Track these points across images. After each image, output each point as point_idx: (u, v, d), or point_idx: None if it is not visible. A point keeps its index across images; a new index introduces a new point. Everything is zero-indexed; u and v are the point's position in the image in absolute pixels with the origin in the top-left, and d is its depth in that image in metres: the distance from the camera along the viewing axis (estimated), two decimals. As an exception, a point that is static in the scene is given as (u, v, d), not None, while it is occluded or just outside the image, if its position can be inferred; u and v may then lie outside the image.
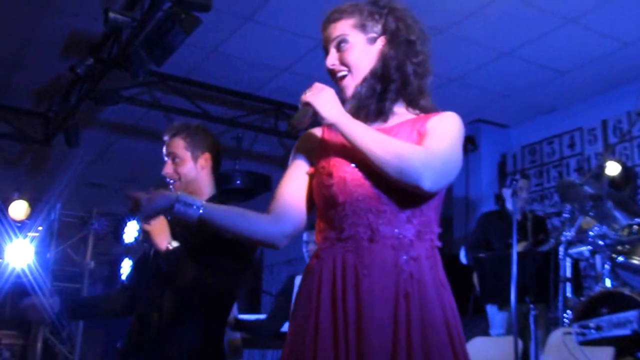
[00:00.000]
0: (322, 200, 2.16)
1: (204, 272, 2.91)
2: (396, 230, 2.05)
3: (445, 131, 2.13)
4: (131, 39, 5.76)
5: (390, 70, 2.19)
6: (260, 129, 8.03)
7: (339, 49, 2.22)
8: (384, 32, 2.23)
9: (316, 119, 2.09)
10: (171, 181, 3.12)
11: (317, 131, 2.32)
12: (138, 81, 6.49)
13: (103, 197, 10.82)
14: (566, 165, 7.74)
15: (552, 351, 4.13)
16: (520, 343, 4.76)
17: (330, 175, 2.13)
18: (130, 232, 8.58)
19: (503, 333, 5.74)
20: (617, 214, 5.05)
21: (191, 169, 3.14)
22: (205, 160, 3.17)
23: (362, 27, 2.22)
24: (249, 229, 2.20)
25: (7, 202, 9.05)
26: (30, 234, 9.03)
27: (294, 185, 2.26)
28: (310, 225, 2.27)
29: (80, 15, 6.05)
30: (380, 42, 2.22)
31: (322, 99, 2.07)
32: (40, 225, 9.11)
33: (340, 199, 2.09)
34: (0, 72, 7.24)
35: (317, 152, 2.26)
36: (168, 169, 3.13)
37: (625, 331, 2.94)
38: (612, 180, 5.73)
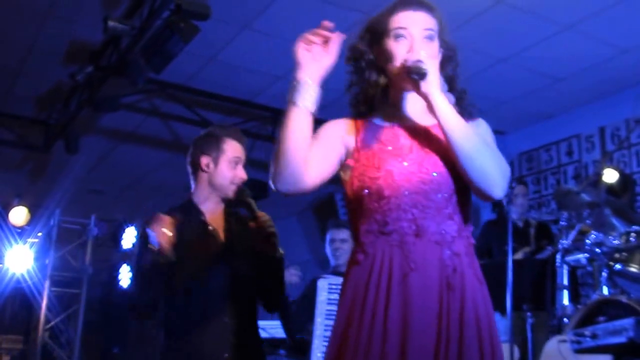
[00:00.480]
0: (365, 192, 2.12)
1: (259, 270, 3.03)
2: (440, 227, 2.07)
3: (492, 141, 2.19)
4: (130, 47, 5.77)
5: (454, 80, 2.25)
6: (258, 136, 7.96)
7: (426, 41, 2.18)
8: (441, 42, 2.22)
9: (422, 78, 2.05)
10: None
11: (349, 122, 2.27)
12: (137, 88, 6.51)
13: (102, 203, 10.76)
14: (564, 172, 7.67)
15: (548, 359, 4.05)
16: (517, 350, 4.69)
17: (377, 168, 2.11)
18: (129, 238, 8.50)
19: (503, 340, 5.65)
20: (615, 222, 4.96)
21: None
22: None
23: (440, 33, 2.21)
24: (297, 152, 2.09)
25: (7, 208, 9.04)
26: (30, 240, 9.01)
27: (324, 152, 2.17)
28: (334, 224, 2.23)
29: (80, 24, 6.04)
30: (440, 53, 2.22)
31: (434, 66, 2.08)
32: (40, 231, 9.08)
33: (387, 193, 2.08)
34: (2, 80, 7.21)
35: (356, 142, 2.21)
36: (244, 174, 3.12)
37: (621, 339, 2.88)
38: (610, 188, 5.66)
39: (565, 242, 4.95)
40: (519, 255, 5.91)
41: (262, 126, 8.03)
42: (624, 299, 4.23)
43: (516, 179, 7.46)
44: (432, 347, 1.96)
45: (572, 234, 5.04)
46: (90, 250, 9.07)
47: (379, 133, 2.19)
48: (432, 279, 2.02)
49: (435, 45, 2.18)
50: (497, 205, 6.52)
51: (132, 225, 8.48)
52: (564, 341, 3.51)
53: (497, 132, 8.24)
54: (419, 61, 2.05)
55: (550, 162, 7.83)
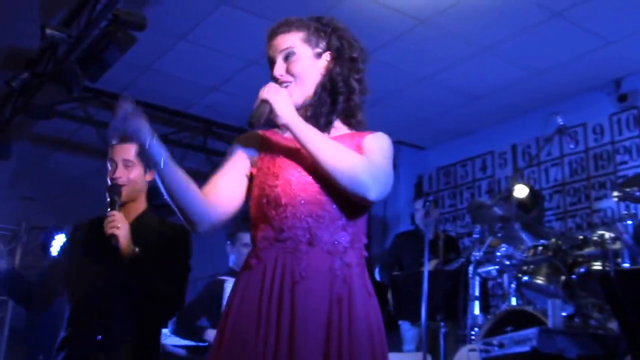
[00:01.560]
0: (264, 199, 2.12)
1: (162, 278, 2.90)
2: (333, 237, 2.07)
3: (383, 150, 2.17)
4: (67, 55, 5.62)
5: (338, 85, 2.20)
6: (190, 146, 7.90)
7: (286, 60, 2.20)
8: (328, 48, 2.23)
9: (270, 118, 2.07)
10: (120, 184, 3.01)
11: (259, 132, 2.28)
12: (72, 96, 6.30)
13: (34, 210, 10.38)
14: (478, 187, 7.69)
15: (459, 367, 4.02)
16: (430, 358, 4.64)
17: (276, 176, 2.13)
18: (58, 245, 8.22)
19: (414, 349, 5.61)
20: (524, 236, 4.98)
21: (140, 177, 3.07)
22: (151, 173, 3.02)
23: (309, 42, 2.22)
24: (187, 200, 2.08)
25: None
26: (-42, 247, 8.62)
27: (231, 179, 2.21)
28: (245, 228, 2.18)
29: (17, 31, 5.87)
30: (326, 57, 2.23)
31: (280, 98, 2.07)
32: (-32, 238, 8.73)
33: (284, 201, 2.08)
34: (-63, 85, 6.89)
35: (260, 152, 2.23)
36: (120, 172, 3.02)
37: (525, 348, 2.87)
38: (521, 203, 5.67)
39: (477, 255, 4.91)
40: (430, 267, 5.88)
41: (194, 136, 7.93)
42: (530, 309, 4.27)
43: (433, 196, 7.45)
44: (320, 356, 1.94)
45: (484, 247, 5.02)
46: (19, 256, 8.75)
47: (282, 143, 2.20)
48: (321, 288, 2.01)
49: (296, 58, 2.19)
50: (413, 217, 6.50)
51: (62, 233, 8.22)
52: (474, 350, 3.45)
53: (418, 148, 8.31)
54: (261, 101, 2.07)
55: (466, 177, 7.85)
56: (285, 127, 2.09)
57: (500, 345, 3.04)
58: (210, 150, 7.88)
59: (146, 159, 2.02)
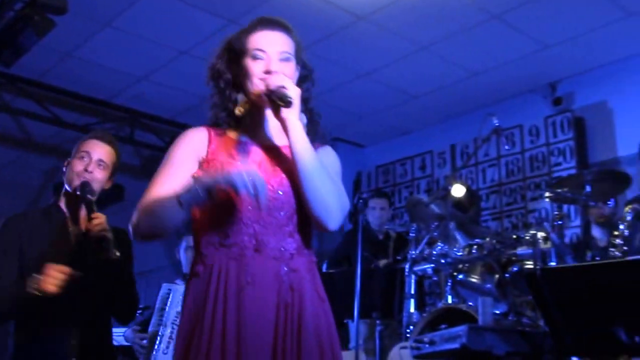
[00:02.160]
0: (210, 203, 2.03)
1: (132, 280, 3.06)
2: (280, 243, 2.05)
3: (337, 172, 2.20)
4: None
5: (308, 101, 2.19)
6: (116, 137, 7.59)
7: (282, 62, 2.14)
8: (298, 62, 2.20)
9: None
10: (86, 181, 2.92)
11: (203, 133, 2.18)
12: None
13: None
14: (417, 186, 7.75)
15: (392, 364, 4.06)
16: (364, 357, 4.66)
17: None
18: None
19: (354, 346, 5.63)
20: (458, 235, 5.04)
21: (105, 181, 3.01)
22: (110, 181, 3.05)
23: (297, 55, 2.18)
24: (170, 217, 2.03)
25: None
26: None
27: (177, 182, 2.06)
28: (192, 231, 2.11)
29: None
30: (297, 71, 2.20)
31: (295, 91, 2.04)
32: None
33: (231, 206, 2.03)
34: None
35: (206, 155, 2.14)
36: (92, 167, 2.94)
37: (455, 345, 2.92)
38: (458, 202, 5.74)
39: (413, 253, 4.95)
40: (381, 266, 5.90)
41: (120, 127, 7.62)
42: (464, 307, 4.33)
43: (375, 190, 7.48)
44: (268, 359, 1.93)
45: (421, 245, 5.05)
46: None
47: (231, 146, 2.14)
48: (268, 294, 1.99)
49: (291, 66, 2.15)
50: (352, 214, 6.50)
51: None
52: (405, 347, 3.49)
53: (357, 145, 8.32)
54: (283, 87, 2.01)
55: (405, 176, 7.89)
56: (283, 123, 2.04)
57: (431, 343, 3.08)
58: (138, 142, 7.63)
59: (192, 199, 1.97)
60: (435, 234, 5.09)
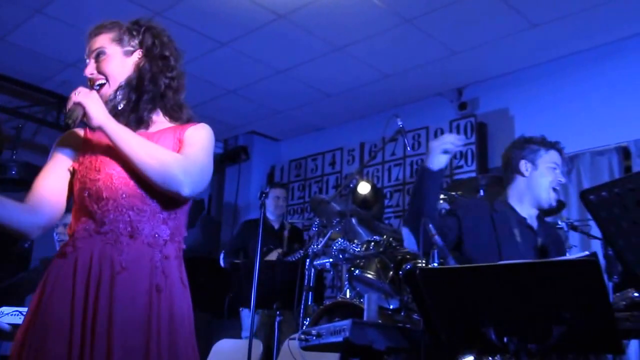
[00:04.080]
0: (85, 193, 2.13)
1: None
2: (154, 230, 2.11)
3: (202, 141, 2.22)
4: None
5: (144, 82, 2.24)
6: (43, 121, 7.62)
7: (97, 59, 2.25)
8: (140, 46, 2.29)
9: (83, 120, 2.09)
10: None
11: (80, 130, 2.30)
12: None
13: None
14: (326, 181, 7.87)
15: (284, 356, 4.12)
16: (261, 346, 4.71)
17: (98, 170, 2.14)
18: None
19: (246, 336, 5.68)
20: (361, 230, 5.14)
21: None
22: None
23: (120, 41, 2.27)
24: (6, 217, 2.08)
25: None
26: None
27: (53, 178, 2.22)
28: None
29: None
30: (137, 55, 2.28)
31: (90, 101, 2.08)
32: None
33: (105, 194, 2.09)
34: None
35: (81, 149, 2.25)
36: None
37: (339, 338, 2.99)
38: (364, 199, 5.84)
39: (315, 247, 5.02)
40: (273, 256, 5.98)
41: (48, 111, 7.64)
42: (357, 302, 4.38)
43: (274, 183, 7.54)
44: (141, 345, 1.97)
45: (323, 240, 5.13)
46: None
47: (103, 139, 2.18)
48: (141, 279, 2.04)
49: (108, 56, 2.25)
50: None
51: None
52: (294, 339, 3.55)
53: (272, 139, 8.37)
54: (74, 104, 2.09)
55: (315, 171, 8.01)
56: (98, 129, 2.10)
57: (318, 335, 3.14)
58: (65, 126, 7.57)
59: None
60: (338, 229, 5.18)
